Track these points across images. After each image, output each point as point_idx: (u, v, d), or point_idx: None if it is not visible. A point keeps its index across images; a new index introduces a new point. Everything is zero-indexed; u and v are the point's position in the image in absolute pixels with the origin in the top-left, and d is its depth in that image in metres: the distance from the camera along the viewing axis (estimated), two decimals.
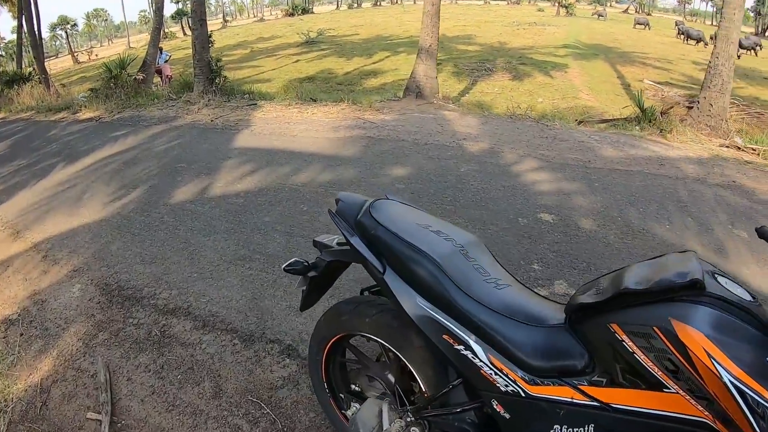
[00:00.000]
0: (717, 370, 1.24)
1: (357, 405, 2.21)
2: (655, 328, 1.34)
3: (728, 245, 4.69)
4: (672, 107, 9.33)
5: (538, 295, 1.87)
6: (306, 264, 2.11)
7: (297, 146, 6.26)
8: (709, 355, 1.25)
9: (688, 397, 1.34)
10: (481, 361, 1.65)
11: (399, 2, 70.38)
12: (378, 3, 74.13)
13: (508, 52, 19.88)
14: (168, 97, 10.16)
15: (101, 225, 4.85)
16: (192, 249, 4.20)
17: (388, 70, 17.05)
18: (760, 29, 54.21)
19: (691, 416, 1.35)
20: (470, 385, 1.82)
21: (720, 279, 1.43)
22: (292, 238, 4.24)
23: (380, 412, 2.00)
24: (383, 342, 2.05)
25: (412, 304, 1.77)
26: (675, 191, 5.83)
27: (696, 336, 1.28)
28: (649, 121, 8.74)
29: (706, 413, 1.32)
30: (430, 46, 9.83)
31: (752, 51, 27.18)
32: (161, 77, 16.31)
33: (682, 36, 31.64)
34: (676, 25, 34.77)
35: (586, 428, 1.54)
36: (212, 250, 4.14)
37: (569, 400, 1.53)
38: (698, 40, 29.57)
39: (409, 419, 1.98)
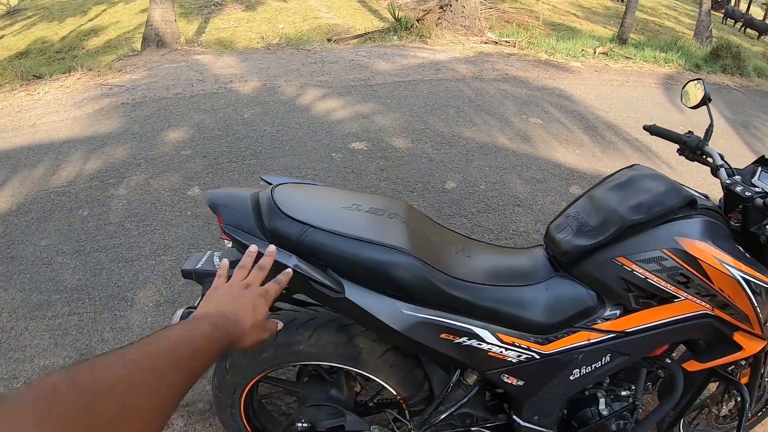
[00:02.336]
0: (728, 270, 1.40)
1: None
2: (664, 250, 1.42)
3: (530, 132, 4.97)
4: (427, 13, 9.45)
5: (503, 246, 1.83)
6: None
7: (42, 137, 4.93)
8: (718, 260, 1.40)
9: (694, 299, 1.46)
10: (489, 343, 1.47)
11: None
12: None
13: None
14: None
15: None
16: None
17: (109, 25, 14.87)
18: None
19: (695, 312, 1.48)
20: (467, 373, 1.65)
21: (687, 188, 1.56)
22: (88, 257, 3.29)
23: None
24: (334, 365, 1.63)
25: (396, 315, 1.39)
26: (462, 92, 5.95)
27: (703, 247, 1.41)
28: (406, 30, 8.80)
29: (708, 306, 1.47)
30: None
31: None
32: None
33: None
34: None
35: (603, 360, 1.55)
36: None
37: (586, 342, 1.51)
38: None
39: None
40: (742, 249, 1.49)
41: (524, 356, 1.49)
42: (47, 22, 16.92)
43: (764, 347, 1.66)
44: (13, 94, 6.45)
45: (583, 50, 8.60)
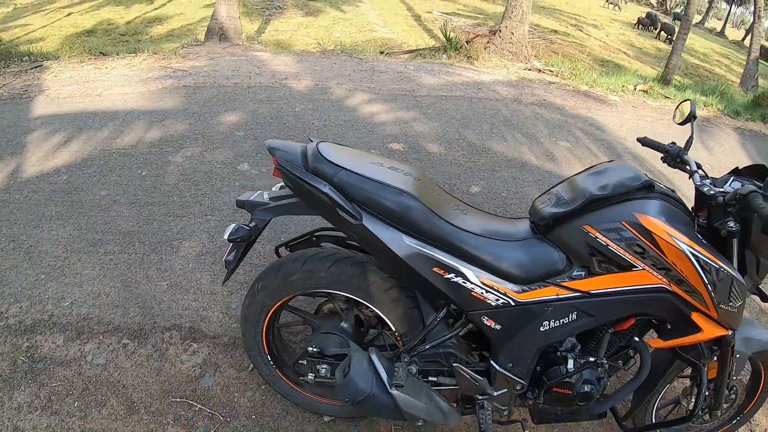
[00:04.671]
0: (677, 244, 1.64)
1: (325, 366, 2.06)
2: (623, 222, 1.68)
3: (556, 154, 5.28)
4: (476, 36, 9.84)
5: (493, 214, 2.03)
6: (250, 228, 1.85)
7: (108, 106, 5.46)
8: (669, 235, 1.64)
9: (651, 271, 1.71)
10: (472, 283, 1.76)
11: None
12: None
13: None
14: None
15: None
16: (27, 246, 3.32)
17: (173, 15, 15.69)
18: None
19: (653, 285, 1.73)
20: (450, 313, 1.95)
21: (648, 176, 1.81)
22: (143, 208, 3.71)
23: (371, 363, 1.90)
24: (347, 294, 1.98)
25: (400, 244, 1.74)
26: (498, 111, 6.27)
27: (657, 223, 1.66)
28: (455, 50, 9.16)
29: (665, 279, 1.72)
30: None
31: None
32: None
33: None
34: None
35: (570, 316, 1.82)
36: (53, 243, 3.36)
37: (555, 297, 1.78)
38: None
39: (406, 359, 1.96)
40: (705, 241, 1.70)
41: (501, 301, 1.78)
42: (114, 5, 17.70)
43: (727, 338, 1.87)
44: (81, 66, 6.99)
45: (624, 86, 8.82)
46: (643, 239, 1.67)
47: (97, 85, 6.15)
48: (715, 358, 2.03)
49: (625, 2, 36.73)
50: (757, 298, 2.06)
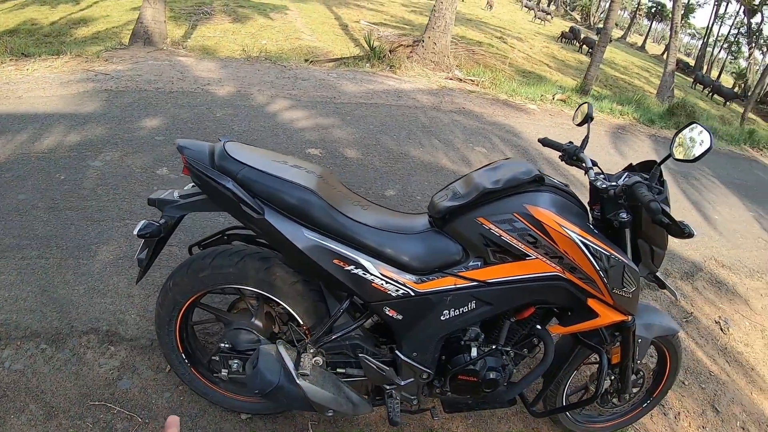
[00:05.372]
0: (567, 233, 1.75)
1: (237, 361, 2.14)
2: (515, 213, 1.78)
3: (472, 158, 5.59)
4: (399, 46, 10.09)
5: (394, 210, 2.13)
6: (159, 224, 1.91)
7: (27, 109, 5.34)
8: (559, 225, 1.75)
9: (544, 260, 1.81)
10: (372, 275, 1.85)
11: None
12: None
13: None
14: None
15: None
16: None
17: (99, 17, 15.23)
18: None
19: (547, 273, 1.83)
20: (354, 305, 2.06)
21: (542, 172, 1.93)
22: (61, 213, 3.69)
23: (279, 354, 1.98)
24: (254, 289, 2.04)
25: (300, 237, 1.82)
26: (417, 119, 6.55)
27: (547, 213, 1.76)
28: (379, 59, 9.37)
29: (558, 268, 1.83)
30: None
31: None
32: None
33: None
34: None
35: (469, 305, 1.91)
36: None
37: (453, 286, 1.87)
38: None
39: (312, 350, 2.04)
40: (597, 231, 1.83)
41: (401, 291, 1.87)
42: (39, 5, 17.06)
43: (626, 323, 2.02)
44: (2, 67, 6.79)
45: (542, 95, 9.25)
46: (534, 229, 1.77)
47: (18, 87, 6.00)
48: (618, 344, 2.21)
49: (552, 17, 38.05)
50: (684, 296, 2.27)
